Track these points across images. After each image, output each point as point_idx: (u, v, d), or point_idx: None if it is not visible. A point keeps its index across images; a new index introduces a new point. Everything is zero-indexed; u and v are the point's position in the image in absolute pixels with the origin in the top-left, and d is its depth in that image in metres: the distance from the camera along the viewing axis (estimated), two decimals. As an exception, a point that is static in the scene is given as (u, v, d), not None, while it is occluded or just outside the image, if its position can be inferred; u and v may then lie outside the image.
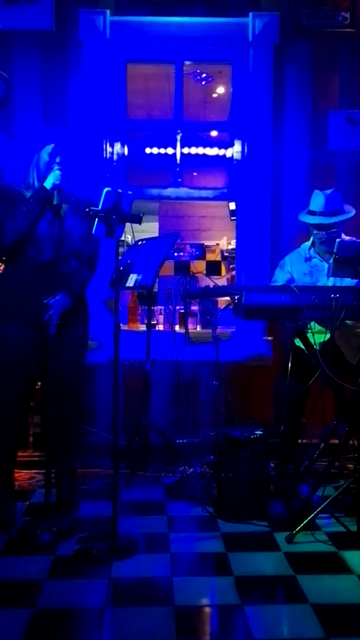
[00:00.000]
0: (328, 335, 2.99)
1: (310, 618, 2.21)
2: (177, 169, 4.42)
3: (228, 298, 3.49)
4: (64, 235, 3.00)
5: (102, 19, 4.11)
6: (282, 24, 4.15)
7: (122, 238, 4.72)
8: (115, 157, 4.31)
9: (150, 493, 3.50)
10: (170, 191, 4.46)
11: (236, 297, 3.06)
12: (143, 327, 4.19)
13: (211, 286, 3.43)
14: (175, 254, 5.82)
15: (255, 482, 3.10)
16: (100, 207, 2.75)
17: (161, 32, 4.19)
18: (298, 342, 3.33)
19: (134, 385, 4.08)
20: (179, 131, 4.40)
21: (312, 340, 3.09)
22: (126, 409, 4.01)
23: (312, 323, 3.11)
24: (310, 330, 3.11)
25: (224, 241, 7.01)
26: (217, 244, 7.12)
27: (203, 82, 5.47)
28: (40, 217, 2.98)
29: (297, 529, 2.83)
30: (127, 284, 3.80)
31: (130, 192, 2.84)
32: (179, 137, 4.41)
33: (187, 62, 4.46)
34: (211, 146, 6.48)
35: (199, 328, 4.35)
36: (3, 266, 3.14)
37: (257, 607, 2.30)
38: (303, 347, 3.22)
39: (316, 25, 4.19)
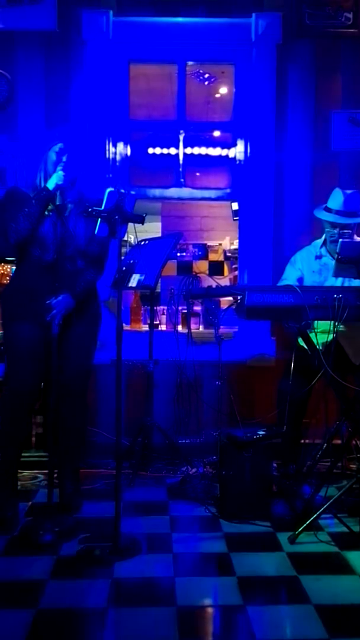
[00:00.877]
0: (332, 336, 2.99)
1: (312, 618, 2.20)
2: (180, 169, 4.42)
3: (231, 298, 3.49)
4: (69, 235, 3.00)
5: (104, 19, 4.11)
6: (285, 24, 4.15)
7: (125, 238, 4.74)
8: (117, 157, 4.32)
9: (153, 493, 3.50)
10: (172, 191, 4.46)
11: (239, 297, 3.06)
12: (145, 327, 4.19)
13: (214, 286, 3.43)
14: (178, 254, 5.83)
15: (258, 482, 3.09)
16: (103, 207, 2.75)
17: (164, 32, 4.19)
18: (302, 342, 3.33)
19: (136, 385, 4.08)
20: (181, 131, 4.40)
21: (315, 341, 3.09)
22: (129, 409, 4.01)
23: (316, 322, 3.11)
24: (313, 330, 3.11)
25: (227, 241, 7.01)
26: (220, 244, 7.12)
27: (206, 83, 5.47)
28: (43, 218, 2.98)
29: (299, 530, 2.83)
30: (130, 284, 3.80)
31: (132, 192, 2.85)
32: (181, 137, 4.41)
33: (190, 62, 4.47)
34: (214, 146, 6.48)
35: (201, 328, 4.35)
36: (12, 267, 3.16)
37: (259, 607, 2.29)
38: (306, 347, 3.22)
39: (319, 26, 4.18)
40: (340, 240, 3.03)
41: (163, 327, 4.39)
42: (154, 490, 3.55)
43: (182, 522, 3.11)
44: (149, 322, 3.98)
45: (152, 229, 6.75)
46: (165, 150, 6.18)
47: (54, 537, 2.80)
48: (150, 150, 6.35)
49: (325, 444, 3.34)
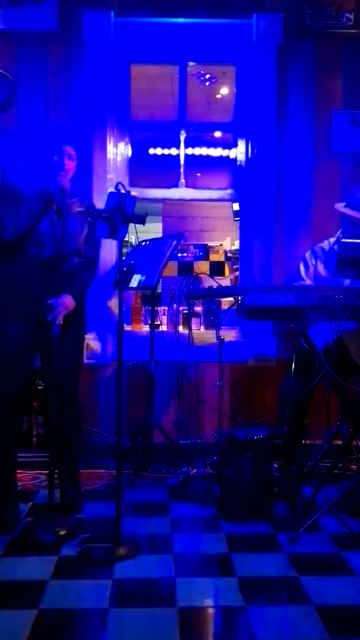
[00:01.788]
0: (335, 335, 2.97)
1: (313, 619, 2.20)
2: (181, 170, 4.42)
3: (232, 299, 3.49)
4: (67, 233, 3.01)
5: (106, 19, 4.11)
6: (286, 25, 4.15)
7: (126, 239, 4.73)
8: (119, 157, 4.32)
9: (154, 494, 3.50)
10: (173, 192, 4.46)
11: (239, 298, 3.06)
12: (146, 328, 4.19)
13: (214, 287, 3.43)
14: (179, 255, 5.84)
15: (259, 483, 3.09)
16: (103, 207, 2.75)
17: (165, 33, 4.19)
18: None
19: (137, 385, 4.08)
20: (182, 132, 4.40)
21: (315, 341, 3.08)
22: (129, 409, 4.01)
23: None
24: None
25: (228, 242, 7.02)
26: (221, 245, 7.12)
27: (207, 83, 5.48)
28: (43, 216, 2.98)
29: (300, 530, 2.83)
30: (131, 285, 3.80)
31: (133, 193, 2.84)
32: (182, 138, 4.41)
33: (191, 63, 4.47)
34: (215, 147, 6.48)
35: (202, 329, 4.35)
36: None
37: (260, 608, 2.29)
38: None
39: (320, 26, 4.18)
40: (341, 240, 3.03)
41: (164, 328, 4.39)
42: (155, 490, 3.55)
43: (182, 522, 3.11)
44: (149, 322, 3.98)
45: (153, 229, 6.75)
46: (166, 151, 6.18)
47: (55, 538, 2.80)
48: (151, 151, 6.35)
49: (326, 445, 3.34)
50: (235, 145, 4.42)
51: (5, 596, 2.39)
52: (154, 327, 3.96)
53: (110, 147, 4.22)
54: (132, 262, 3.94)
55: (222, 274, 6.06)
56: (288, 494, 3.24)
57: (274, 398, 3.57)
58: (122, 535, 2.69)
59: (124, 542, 2.69)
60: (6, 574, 2.56)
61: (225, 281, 6.07)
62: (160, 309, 4.46)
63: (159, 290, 4.61)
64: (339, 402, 3.26)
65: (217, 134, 5.89)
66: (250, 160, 4.28)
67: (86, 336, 3.63)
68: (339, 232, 3.63)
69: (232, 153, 4.65)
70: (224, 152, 6.43)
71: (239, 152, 4.38)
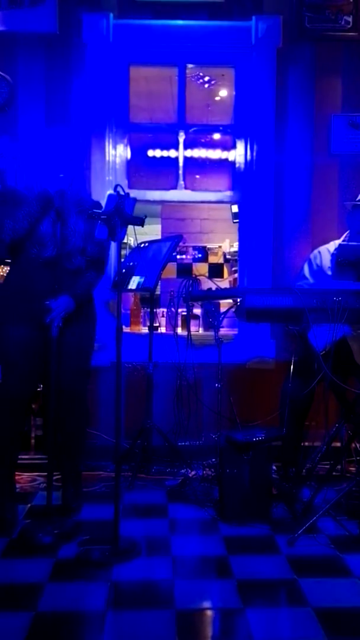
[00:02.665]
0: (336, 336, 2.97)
1: (311, 621, 2.20)
2: (180, 172, 4.43)
3: (230, 300, 3.49)
4: (68, 232, 3.00)
5: (105, 22, 4.12)
6: (285, 28, 4.16)
7: (125, 240, 4.73)
8: (118, 159, 4.32)
9: (152, 496, 3.50)
10: (172, 194, 4.46)
11: (238, 300, 3.06)
12: (145, 330, 4.19)
13: (213, 289, 3.42)
14: (178, 257, 5.82)
15: (258, 484, 3.09)
16: (103, 209, 2.75)
17: (164, 35, 4.20)
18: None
19: (136, 387, 4.08)
20: (181, 134, 4.41)
21: (315, 343, 3.08)
22: (128, 411, 4.01)
23: None
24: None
25: (227, 244, 7.01)
26: (220, 247, 7.11)
27: (206, 85, 5.48)
28: (42, 218, 2.99)
29: (299, 532, 2.83)
30: (130, 286, 3.80)
31: (132, 195, 2.84)
32: (181, 140, 4.41)
33: (190, 65, 4.47)
34: (214, 149, 6.47)
35: (201, 330, 4.35)
36: (6, 267, 3.15)
37: (258, 610, 2.29)
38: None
39: (319, 29, 4.19)
40: (340, 243, 3.03)
41: (163, 330, 4.39)
42: (154, 492, 3.55)
43: (181, 524, 3.11)
44: (148, 324, 3.98)
45: (152, 231, 6.75)
46: (165, 153, 6.17)
47: (53, 540, 2.80)
48: (150, 153, 6.34)
49: (325, 447, 3.34)
50: (234, 148, 4.42)
51: (3, 598, 2.39)
52: (152, 328, 3.96)
53: (109, 149, 4.23)
54: (131, 263, 3.94)
55: (221, 275, 6.04)
56: (287, 496, 3.23)
57: (273, 400, 3.56)
58: (120, 537, 2.69)
59: (123, 544, 2.69)
60: (4, 576, 2.55)
61: (224, 283, 6.06)
62: (159, 310, 4.46)
63: (158, 292, 4.60)
64: (338, 404, 3.26)
65: (216, 136, 5.88)
66: (249, 163, 4.28)
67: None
68: (345, 233, 3.63)
69: (231, 155, 4.65)
70: (223, 154, 6.42)
71: (238, 154, 4.38)
